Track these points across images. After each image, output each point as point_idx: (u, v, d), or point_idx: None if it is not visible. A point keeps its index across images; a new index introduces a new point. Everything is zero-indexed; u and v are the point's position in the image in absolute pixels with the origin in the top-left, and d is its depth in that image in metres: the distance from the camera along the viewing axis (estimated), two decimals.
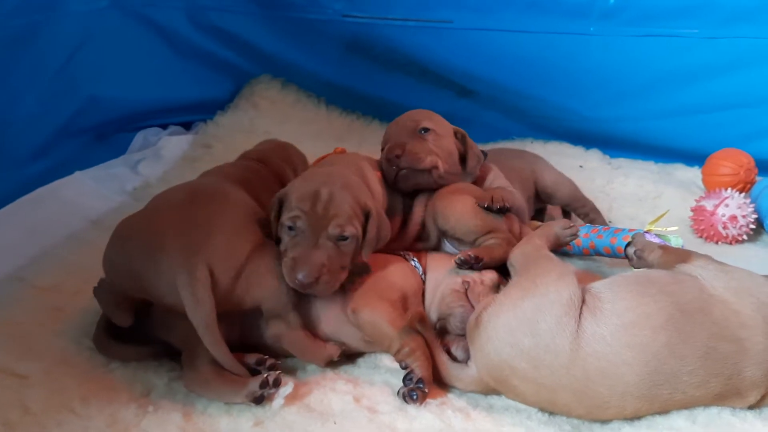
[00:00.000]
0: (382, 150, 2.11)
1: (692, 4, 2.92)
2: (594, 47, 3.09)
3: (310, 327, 1.78)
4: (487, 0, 3.13)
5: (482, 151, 2.20)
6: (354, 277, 1.80)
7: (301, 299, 1.76)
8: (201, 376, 1.65)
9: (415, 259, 1.96)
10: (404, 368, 1.68)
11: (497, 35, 3.17)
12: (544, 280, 1.66)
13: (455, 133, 2.14)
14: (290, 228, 1.73)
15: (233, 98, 3.46)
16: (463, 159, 2.12)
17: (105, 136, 3.05)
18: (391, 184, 2.04)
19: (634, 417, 1.58)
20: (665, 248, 1.89)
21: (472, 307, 1.78)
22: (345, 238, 1.73)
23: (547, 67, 3.19)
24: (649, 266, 1.87)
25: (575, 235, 1.99)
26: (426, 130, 2.06)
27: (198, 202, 1.71)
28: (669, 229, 2.17)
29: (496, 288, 1.86)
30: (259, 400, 1.61)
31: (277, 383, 1.62)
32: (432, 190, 2.06)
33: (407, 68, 3.38)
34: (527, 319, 1.59)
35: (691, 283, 1.65)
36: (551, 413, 1.62)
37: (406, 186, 2.04)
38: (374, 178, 2.01)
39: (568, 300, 1.60)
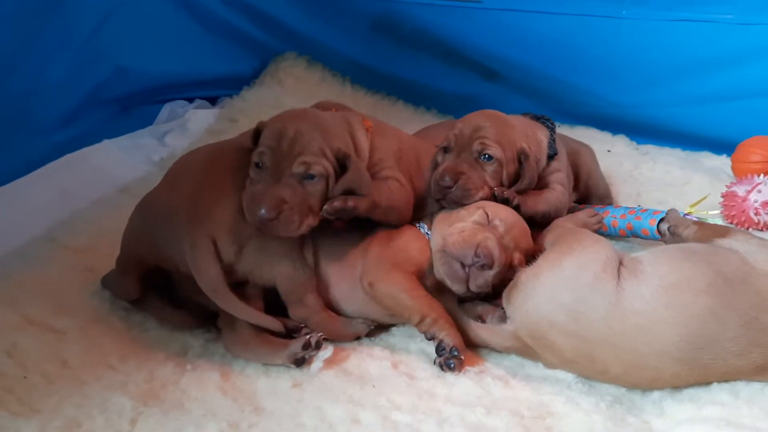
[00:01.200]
0: (443, 150, 2.00)
1: None
2: (625, 31, 3.05)
3: (334, 307, 1.77)
4: None
5: (551, 144, 2.11)
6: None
7: (322, 280, 1.75)
8: (241, 337, 1.64)
9: (425, 225, 1.89)
10: (430, 339, 1.67)
11: (527, 17, 3.14)
12: (581, 244, 1.68)
13: (519, 155, 1.99)
14: (257, 164, 1.67)
15: (258, 75, 3.44)
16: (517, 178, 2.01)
17: (131, 107, 3.04)
18: (431, 195, 1.94)
19: (674, 384, 1.56)
20: (701, 224, 1.87)
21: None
22: (311, 177, 1.65)
23: (576, 50, 3.15)
24: (684, 242, 1.86)
25: (600, 223, 2.02)
26: (490, 158, 1.93)
27: (212, 171, 1.72)
28: (710, 213, 2.15)
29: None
30: (300, 362, 1.60)
31: (318, 345, 1.62)
32: None
33: (434, 49, 3.35)
34: (566, 276, 1.61)
35: (732, 255, 1.64)
36: (591, 384, 1.61)
37: (448, 207, 1.91)
38: (363, 135, 1.86)
39: (605, 259, 1.62)
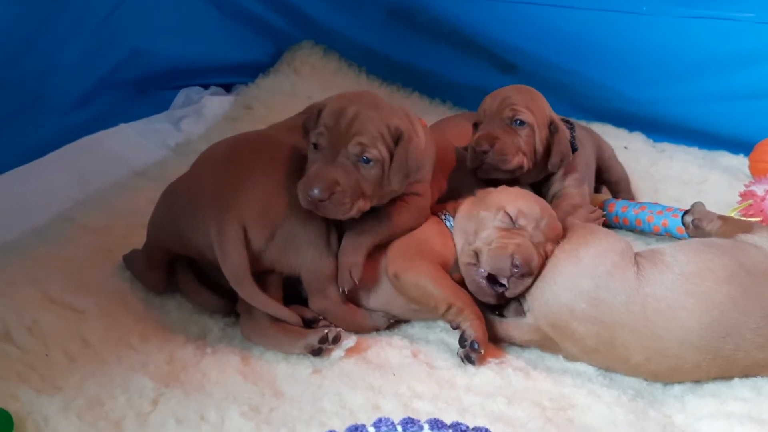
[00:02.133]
0: (474, 126, 2.04)
1: None
2: (644, 26, 3.02)
3: (356, 300, 1.75)
4: None
5: (572, 143, 2.10)
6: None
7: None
8: (258, 324, 1.63)
9: (451, 218, 1.85)
10: (455, 329, 1.66)
11: (547, 10, 3.10)
12: (595, 237, 1.70)
13: (550, 125, 2.02)
14: (314, 146, 1.65)
15: (274, 62, 3.42)
16: (549, 152, 2.03)
17: (146, 91, 3.03)
18: (471, 168, 1.97)
19: (695, 375, 1.56)
20: (725, 218, 1.86)
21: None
22: (367, 161, 1.62)
23: (594, 45, 3.12)
24: (708, 236, 1.85)
25: (601, 219, 2.06)
26: (522, 123, 1.96)
27: (235, 159, 1.69)
28: (751, 220, 2.14)
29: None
30: (316, 352, 1.59)
31: (336, 340, 1.61)
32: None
33: (450, 39, 3.33)
34: (585, 265, 1.62)
35: (754, 250, 1.65)
36: (612, 377, 1.60)
37: (485, 176, 1.96)
38: (421, 130, 1.81)
39: (622, 248, 1.65)
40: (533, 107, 1.99)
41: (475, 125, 2.03)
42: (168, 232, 1.69)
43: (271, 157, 1.71)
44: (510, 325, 1.70)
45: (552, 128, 2.02)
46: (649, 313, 1.54)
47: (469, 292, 1.71)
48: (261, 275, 1.65)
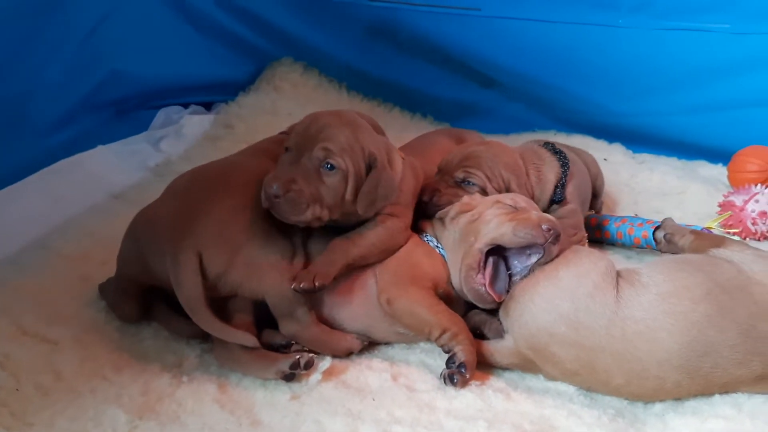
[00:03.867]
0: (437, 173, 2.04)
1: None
2: (622, 40, 3.04)
3: (337, 323, 1.72)
4: None
5: (564, 161, 2.12)
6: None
7: (326, 297, 1.70)
8: (231, 351, 1.61)
9: (432, 238, 1.85)
10: (447, 352, 1.64)
11: (525, 24, 3.13)
12: (576, 256, 1.69)
13: (507, 189, 1.98)
14: (286, 149, 1.68)
15: (254, 80, 3.41)
16: None
17: (126, 112, 3.01)
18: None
19: (676, 395, 1.55)
20: (697, 233, 1.87)
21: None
22: (331, 168, 1.63)
23: (573, 58, 3.15)
24: (680, 250, 1.87)
25: (583, 243, 2.02)
26: (471, 183, 1.96)
27: (193, 189, 1.69)
28: (731, 231, 2.15)
29: None
30: (288, 378, 1.58)
31: (308, 366, 1.59)
32: None
33: (431, 56, 3.34)
34: (564, 287, 1.61)
35: (727, 265, 1.65)
36: (593, 396, 1.59)
37: (432, 211, 1.92)
38: (398, 160, 1.85)
39: (604, 268, 1.64)
40: (492, 173, 1.98)
41: (438, 172, 2.03)
42: (133, 263, 1.68)
43: (227, 183, 1.70)
44: (491, 349, 1.69)
45: (509, 190, 1.97)
46: (629, 336, 1.53)
47: (468, 304, 1.72)
48: (227, 301, 1.64)
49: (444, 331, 1.65)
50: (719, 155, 3.08)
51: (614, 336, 1.53)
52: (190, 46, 3.22)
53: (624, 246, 2.31)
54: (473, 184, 1.96)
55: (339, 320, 1.72)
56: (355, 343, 1.71)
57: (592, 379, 1.57)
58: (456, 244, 1.77)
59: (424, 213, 1.92)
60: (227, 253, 1.60)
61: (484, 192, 1.95)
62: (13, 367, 1.50)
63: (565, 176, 2.12)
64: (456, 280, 1.75)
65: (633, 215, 2.40)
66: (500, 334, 1.71)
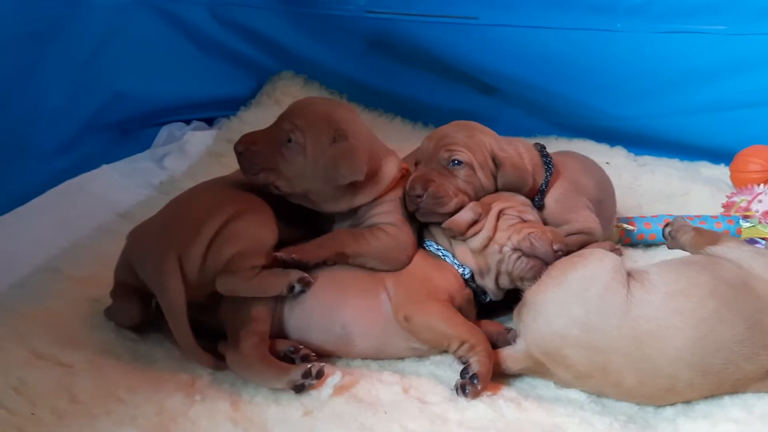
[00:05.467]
0: (416, 165, 1.98)
1: (719, 1, 2.89)
2: (620, 44, 3.05)
3: (349, 342, 1.73)
4: None
5: (548, 165, 2.05)
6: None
7: (337, 315, 1.72)
8: (245, 357, 1.63)
9: (432, 243, 1.86)
10: (464, 363, 1.65)
11: (522, 32, 3.14)
12: (581, 259, 1.70)
13: (494, 160, 1.92)
14: None
15: (255, 95, 3.43)
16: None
17: (129, 132, 3.04)
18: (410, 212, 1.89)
19: (688, 395, 1.56)
20: (698, 230, 1.88)
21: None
22: (289, 140, 1.74)
23: (572, 64, 3.16)
24: (681, 247, 1.89)
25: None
26: (459, 163, 1.89)
27: (176, 201, 1.80)
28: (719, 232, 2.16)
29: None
30: (299, 388, 1.59)
31: (319, 375, 1.60)
32: None
33: (430, 65, 3.35)
34: (574, 290, 1.62)
35: (727, 263, 1.67)
36: (604, 403, 1.60)
37: (424, 220, 1.88)
38: (392, 167, 1.87)
39: (612, 267, 1.65)
40: (471, 144, 1.90)
41: (416, 165, 1.97)
42: (129, 275, 1.72)
43: (193, 193, 1.82)
44: (503, 355, 1.69)
45: (496, 162, 1.92)
46: (641, 336, 1.55)
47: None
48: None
49: (462, 343, 1.66)
50: (721, 156, 3.10)
51: (626, 336, 1.55)
52: (191, 63, 3.25)
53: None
54: (460, 163, 1.89)
55: (351, 338, 1.73)
56: (297, 373, 1.59)
57: (604, 382, 1.58)
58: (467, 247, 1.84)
59: (419, 210, 1.85)
60: (200, 246, 1.64)
61: (471, 169, 1.90)
62: (28, 392, 1.50)
63: (547, 181, 2.04)
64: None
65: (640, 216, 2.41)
66: (509, 342, 1.73)
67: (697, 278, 1.62)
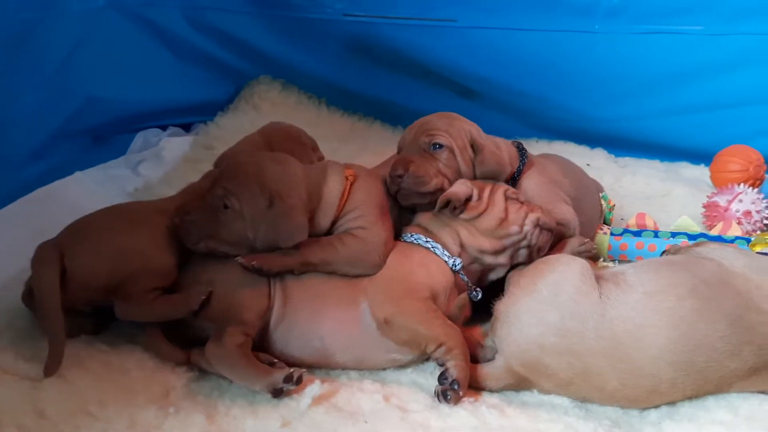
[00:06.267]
0: (398, 152, 2.05)
1: (696, 1, 2.90)
2: (598, 45, 3.06)
3: (328, 356, 1.69)
4: None
5: (522, 156, 2.10)
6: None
7: (314, 328, 1.69)
8: (227, 352, 1.59)
9: (419, 236, 1.83)
10: (440, 365, 1.62)
11: (501, 34, 3.13)
12: (548, 265, 1.69)
13: (472, 146, 1.97)
14: None
15: (233, 100, 3.38)
16: None
17: (103, 138, 2.97)
18: (392, 195, 1.92)
19: (672, 396, 1.55)
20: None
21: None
22: (225, 207, 1.70)
23: (551, 66, 3.16)
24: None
25: (590, 252, 1.97)
26: (439, 146, 1.93)
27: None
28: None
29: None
30: (277, 393, 1.55)
31: (299, 381, 1.57)
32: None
33: (409, 69, 3.33)
34: (545, 297, 1.60)
35: (708, 262, 1.67)
36: (588, 408, 1.57)
37: (405, 202, 1.91)
38: (335, 184, 1.83)
39: (580, 270, 1.64)
40: (451, 130, 1.95)
41: (399, 152, 2.03)
42: None
43: (122, 206, 1.94)
44: (483, 374, 1.65)
45: (475, 149, 1.97)
46: (619, 336, 1.53)
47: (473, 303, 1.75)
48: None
49: (440, 345, 1.63)
50: (700, 156, 3.11)
51: (604, 337, 1.53)
52: (166, 68, 3.19)
53: None
54: (441, 146, 1.92)
55: (331, 351, 1.69)
56: (279, 376, 1.56)
57: (587, 387, 1.55)
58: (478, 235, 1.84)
59: (400, 191, 1.88)
60: (87, 246, 1.68)
61: (452, 153, 1.93)
62: None
63: (520, 169, 2.08)
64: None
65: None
66: (485, 359, 1.71)
67: (675, 277, 1.61)
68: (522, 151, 2.15)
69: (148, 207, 1.85)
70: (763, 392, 1.58)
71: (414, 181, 1.86)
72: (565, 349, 1.54)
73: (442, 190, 1.88)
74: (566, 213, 2.02)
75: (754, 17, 2.86)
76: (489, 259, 1.85)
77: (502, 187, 1.92)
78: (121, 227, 1.74)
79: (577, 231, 2.03)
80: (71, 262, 1.65)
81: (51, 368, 1.56)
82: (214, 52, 3.31)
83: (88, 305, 1.70)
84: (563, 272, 1.64)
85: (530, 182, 2.06)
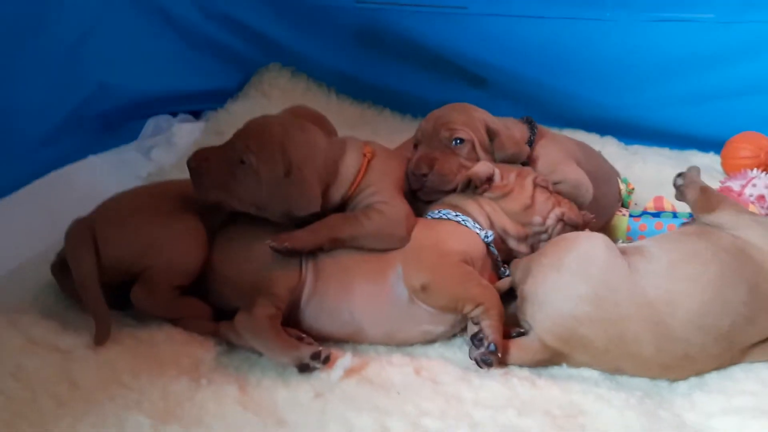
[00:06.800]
0: (414, 148, 2.01)
1: None
2: (609, 33, 3.07)
3: (359, 330, 1.70)
4: None
5: (532, 129, 2.12)
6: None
7: (345, 302, 1.69)
8: (257, 322, 1.59)
9: (449, 211, 1.84)
10: (475, 323, 1.62)
11: (512, 21, 3.14)
12: (571, 242, 1.70)
13: (488, 133, 1.98)
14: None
15: (242, 87, 3.37)
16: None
17: (114, 124, 2.95)
18: (412, 191, 1.91)
19: (703, 361, 1.57)
20: (705, 190, 1.85)
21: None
22: (242, 162, 1.71)
23: (561, 53, 3.16)
24: (686, 201, 1.87)
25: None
26: (461, 141, 1.94)
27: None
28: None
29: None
30: (303, 368, 1.55)
31: (326, 361, 1.57)
32: None
33: (419, 56, 3.33)
34: (574, 270, 1.62)
35: (721, 233, 1.70)
36: (617, 380, 1.59)
37: (427, 198, 1.92)
38: (353, 159, 1.84)
39: (604, 243, 1.66)
40: (470, 122, 1.96)
41: (415, 147, 2.00)
42: None
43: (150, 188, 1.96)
44: (516, 348, 1.65)
45: (490, 135, 1.98)
46: (652, 301, 1.56)
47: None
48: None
49: (477, 305, 1.63)
50: (710, 144, 3.13)
51: (638, 303, 1.56)
52: (177, 55, 3.16)
53: None
54: (462, 141, 1.93)
55: (360, 324, 1.69)
56: (306, 352, 1.57)
57: (622, 354, 1.57)
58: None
59: (424, 189, 1.88)
60: (119, 229, 1.70)
61: (473, 146, 1.94)
62: (26, 378, 1.43)
63: (532, 139, 2.10)
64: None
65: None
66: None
67: (696, 245, 1.65)
68: (531, 125, 2.17)
69: (186, 198, 1.80)
70: None
71: (439, 180, 1.87)
72: (599, 318, 1.55)
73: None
74: (579, 174, 2.03)
75: (765, 6, 2.87)
76: (512, 243, 1.86)
77: (531, 174, 1.92)
78: (156, 218, 1.74)
79: (590, 194, 2.04)
80: (101, 243, 1.67)
81: (100, 338, 1.59)
82: (225, 40, 3.29)
83: (113, 281, 1.70)
84: (589, 246, 1.66)
85: (542, 150, 2.08)
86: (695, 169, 1.94)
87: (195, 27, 3.21)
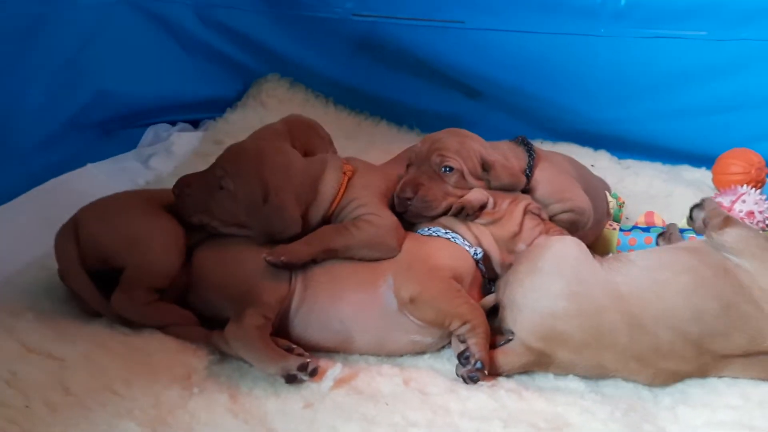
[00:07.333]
0: (407, 168, 2.03)
1: (700, 6, 2.95)
2: (603, 48, 3.10)
3: (348, 339, 1.72)
4: (498, 0, 3.13)
5: (530, 152, 2.12)
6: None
7: (334, 311, 1.72)
8: (246, 332, 1.62)
9: (438, 228, 1.87)
10: (462, 342, 1.65)
11: (508, 36, 3.17)
12: (543, 248, 1.77)
13: (483, 165, 1.98)
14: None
15: (240, 97, 3.40)
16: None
17: (113, 132, 2.99)
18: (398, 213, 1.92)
19: (674, 360, 1.61)
20: (727, 217, 1.81)
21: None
22: (221, 188, 1.79)
23: (556, 68, 3.20)
24: (707, 235, 1.81)
25: None
26: (449, 169, 1.95)
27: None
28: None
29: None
30: (290, 379, 1.57)
31: (313, 373, 1.58)
32: None
33: (416, 68, 3.37)
34: (548, 271, 1.69)
35: (714, 252, 1.73)
36: (603, 393, 1.61)
37: (412, 220, 1.93)
38: (333, 177, 1.89)
39: (575, 244, 1.76)
40: (462, 151, 1.96)
41: (408, 167, 2.02)
42: None
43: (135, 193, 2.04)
44: (501, 355, 1.68)
45: (485, 167, 1.98)
46: (625, 295, 1.63)
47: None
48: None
49: (464, 323, 1.66)
50: (701, 159, 3.16)
51: (611, 296, 1.63)
52: (177, 64, 3.21)
53: None
54: (451, 169, 1.94)
55: (351, 334, 1.71)
56: (294, 363, 1.58)
57: (600, 346, 1.62)
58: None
59: (408, 212, 1.90)
60: (103, 225, 1.77)
61: (461, 176, 1.95)
62: (20, 385, 1.45)
63: (530, 165, 2.10)
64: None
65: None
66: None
67: (675, 257, 1.72)
68: (528, 146, 2.18)
69: (172, 204, 1.85)
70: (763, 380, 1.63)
71: (422, 205, 1.90)
72: (576, 312, 1.62)
73: (450, 209, 1.91)
74: (584, 201, 2.07)
75: (757, 23, 2.91)
76: (497, 269, 1.89)
77: (525, 201, 1.94)
78: (139, 217, 1.80)
79: (591, 220, 2.06)
80: (82, 231, 1.76)
81: (106, 314, 1.72)
82: (224, 49, 3.33)
83: (93, 268, 1.76)
84: (560, 246, 1.75)
85: (544, 174, 2.10)
86: (710, 200, 1.96)
87: (195, 37, 3.25)
